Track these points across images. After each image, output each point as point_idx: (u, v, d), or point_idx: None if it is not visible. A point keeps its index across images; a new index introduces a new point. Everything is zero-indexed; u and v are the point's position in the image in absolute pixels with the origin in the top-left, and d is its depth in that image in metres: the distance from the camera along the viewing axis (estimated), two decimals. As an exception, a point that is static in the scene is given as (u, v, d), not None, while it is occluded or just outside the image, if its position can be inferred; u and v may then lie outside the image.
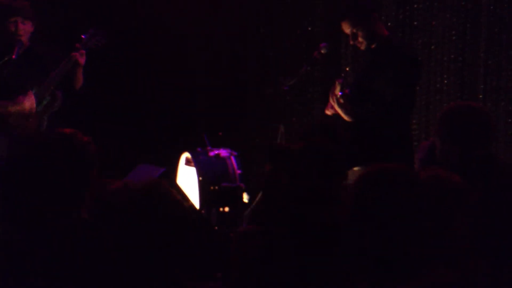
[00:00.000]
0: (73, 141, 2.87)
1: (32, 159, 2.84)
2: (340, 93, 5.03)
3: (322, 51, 5.33)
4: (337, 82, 5.09)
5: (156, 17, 7.06)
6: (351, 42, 5.13)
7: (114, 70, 7.00)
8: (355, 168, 4.68)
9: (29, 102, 5.26)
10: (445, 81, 6.50)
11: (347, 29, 5.05)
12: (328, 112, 5.16)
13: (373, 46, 5.07)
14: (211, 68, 7.23)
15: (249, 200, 5.81)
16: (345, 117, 5.02)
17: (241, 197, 5.80)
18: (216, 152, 6.17)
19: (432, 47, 6.53)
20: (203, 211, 5.78)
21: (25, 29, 5.32)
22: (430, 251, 2.42)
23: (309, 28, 7.00)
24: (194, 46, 7.20)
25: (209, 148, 6.22)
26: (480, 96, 6.34)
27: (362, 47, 5.09)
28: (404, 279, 2.37)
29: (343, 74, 5.26)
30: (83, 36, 5.37)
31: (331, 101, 5.11)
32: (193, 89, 7.22)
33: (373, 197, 2.42)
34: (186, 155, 6.31)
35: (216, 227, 5.54)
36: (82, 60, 5.29)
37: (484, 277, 2.64)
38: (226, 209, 5.73)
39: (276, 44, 7.18)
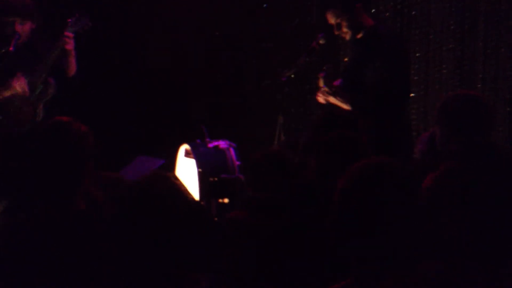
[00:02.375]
0: (70, 130, 2.80)
1: (27, 148, 2.79)
2: (323, 86, 5.07)
3: (321, 42, 5.34)
4: (319, 76, 5.12)
5: (154, 9, 7.04)
6: (336, 33, 5.15)
7: (112, 61, 6.98)
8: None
9: (19, 84, 5.18)
10: (444, 71, 6.49)
11: (331, 19, 5.10)
12: (320, 99, 5.16)
13: (358, 36, 5.09)
14: (209, 59, 7.21)
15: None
16: (344, 106, 5.03)
17: (240, 189, 5.79)
18: (215, 143, 6.16)
19: (430, 36, 6.52)
20: (202, 203, 5.78)
21: (23, 28, 5.23)
22: (417, 245, 2.39)
23: (308, 18, 6.99)
24: (192, 37, 7.18)
25: (208, 139, 6.21)
26: (479, 86, 6.34)
27: (347, 37, 5.12)
28: (388, 274, 2.34)
29: (324, 68, 5.26)
30: (69, 20, 5.29)
31: (320, 97, 5.15)
32: (191, 80, 7.21)
33: (358, 192, 2.36)
34: (185, 146, 6.30)
35: (216, 219, 5.54)
36: (69, 46, 5.21)
37: (482, 270, 2.62)
38: (226, 200, 5.72)
39: (274, 35, 7.16)
